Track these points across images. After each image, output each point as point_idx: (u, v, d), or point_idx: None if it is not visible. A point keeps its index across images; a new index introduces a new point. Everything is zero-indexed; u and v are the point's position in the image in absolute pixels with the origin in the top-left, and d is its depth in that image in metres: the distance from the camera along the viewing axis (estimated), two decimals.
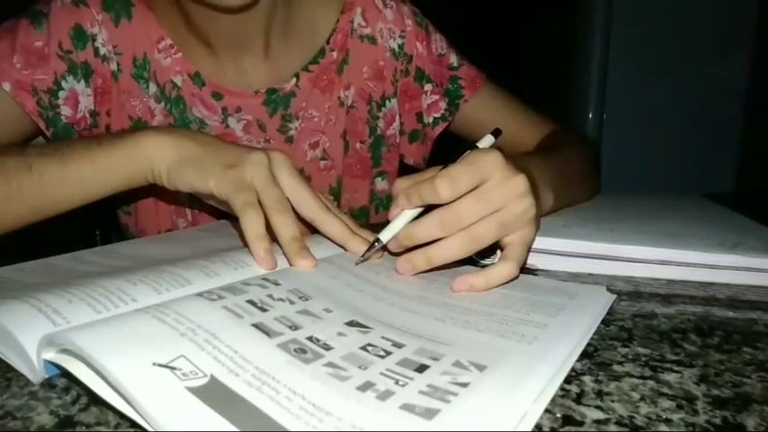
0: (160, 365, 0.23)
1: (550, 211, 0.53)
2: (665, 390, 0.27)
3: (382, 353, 0.28)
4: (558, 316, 0.35)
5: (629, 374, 0.29)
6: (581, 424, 0.24)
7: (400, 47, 0.72)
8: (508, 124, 0.72)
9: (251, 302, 0.31)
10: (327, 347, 0.27)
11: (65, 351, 0.25)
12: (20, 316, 0.28)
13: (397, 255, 0.42)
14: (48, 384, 0.27)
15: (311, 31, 0.69)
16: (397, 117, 0.75)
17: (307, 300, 0.33)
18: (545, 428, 0.24)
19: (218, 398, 0.22)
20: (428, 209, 0.41)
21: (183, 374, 0.23)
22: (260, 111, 0.67)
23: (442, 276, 0.42)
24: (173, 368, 0.23)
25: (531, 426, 0.23)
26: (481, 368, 0.27)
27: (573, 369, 0.29)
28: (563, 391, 0.27)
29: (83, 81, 0.62)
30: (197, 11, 0.60)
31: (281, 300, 0.32)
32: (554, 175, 0.53)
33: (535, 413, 0.23)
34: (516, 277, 0.40)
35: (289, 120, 0.69)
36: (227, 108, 0.66)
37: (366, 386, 0.24)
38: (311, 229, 0.47)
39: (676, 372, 0.29)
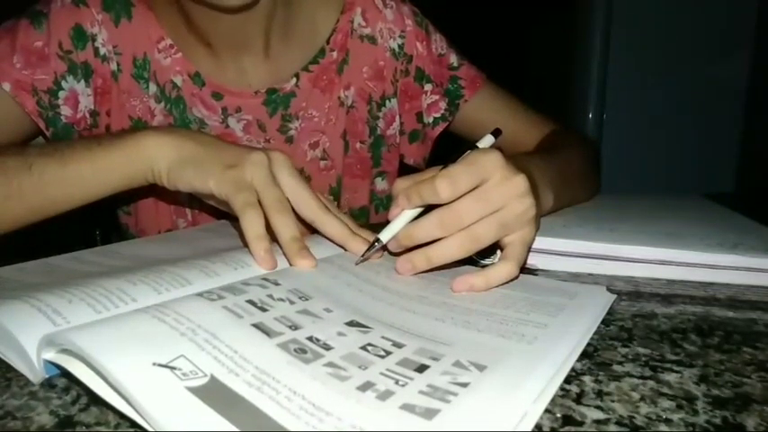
0: (160, 365, 0.23)
1: (550, 211, 0.53)
2: (665, 390, 0.27)
3: (382, 353, 0.28)
4: (558, 316, 0.35)
5: (629, 374, 0.29)
6: (581, 424, 0.24)
7: (400, 47, 0.72)
8: (508, 124, 0.72)
9: (251, 302, 0.31)
10: (327, 347, 0.27)
11: (65, 351, 0.25)
12: (20, 316, 0.28)
13: (397, 255, 0.42)
14: (48, 384, 0.27)
15: (311, 31, 0.69)
16: (397, 117, 0.76)
17: (307, 300, 0.33)
18: (545, 428, 0.24)
19: (218, 398, 0.22)
20: (428, 209, 0.41)
21: (183, 374, 0.23)
22: (260, 111, 0.67)
23: (442, 276, 0.42)
24: (173, 368, 0.23)
25: (531, 426, 0.23)
26: (481, 368, 0.27)
27: (573, 369, 0.29)
28: (563, 391, 0.27)
29: (83, 81, 0.62)
30: (197, 11, 0.60)
31: (281, 300, 0.32)
32: (554, 175, 0.53)
33: (535, 413, 0.23)
34: (516, 277, 0.40)
35: (289, 120, 0.69)
36: (227, 108, 0.66)
37: (366, 386, 0.24)
38: (311, 229, 0.47)
39: (676, 372, 0.29)
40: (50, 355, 0.26)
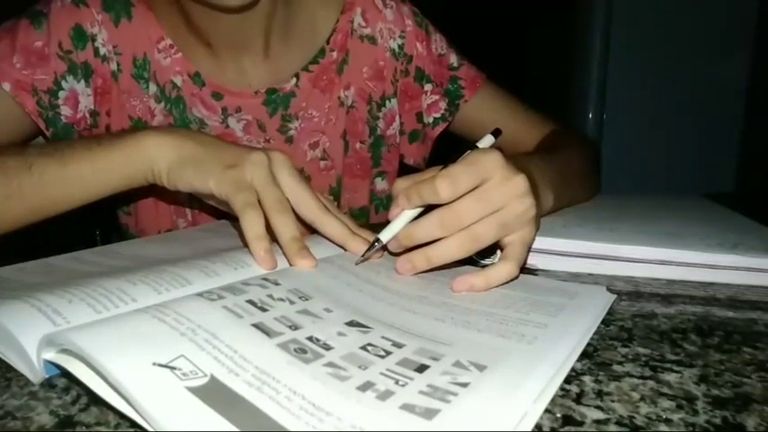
0: (160, 365, 0.23)
1: (550, 211, 0.53)
2: (665, 390, 0.27)
3: (382, 353, 0.28)
4: (558, 316, 0.35)
5: (629, 374, 0.29)
6: (581, 424, 0.24)
7: (400, 47, 0.72)
8: (508, 124, 0.72)
9: (251, 302, 0.31)
10: (327, 347, 0.27)
11: (65, 351, 0.25)
12: (20, 316, 0.28)
13: (397, 255, 0.42)
14: (48, 384, 0.27)
15: (311, 31, 0.69)
16: (397, 117, 0.76)
17: (307, 300, 0.33)
18: (545, 428, 0.24)
19: (218, 398, 0.22)
20: (428, 209, 0.41)
21: (183, 374, 0.23)
22: (260, 111, 0.67)
23: (442, 276, 0.42)
24: (173, 368, 0.23)
25: (531, 426, 0.23)
26: (481, 368, 0.27)
27: (573, 369, 0.29)
28: (563, 391, 0.27)
29: (83, 81, 0.62)
30: (197, 11, 0.60)
31: (281, 300, 0.32)
32: (554, 175, 0.53)
33: (535, 413, 0.23)
34: (516, 277, 0.40)
35: (289, 120, 0.69)
36: (227, 108, 0.66)
37: (366, 386, 0.24)
38: (311, 229, 0.47)
39: (676, 372, 0.29)
40: (50, 355, 0.26)
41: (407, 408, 0.22)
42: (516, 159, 0.43)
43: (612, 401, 0.26)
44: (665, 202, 0.71)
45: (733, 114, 1.62)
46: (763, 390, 0.28)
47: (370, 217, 0.78)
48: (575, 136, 0.74)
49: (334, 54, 0.70)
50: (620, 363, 0.30)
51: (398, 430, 0.21)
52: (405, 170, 0.76)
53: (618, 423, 0.24)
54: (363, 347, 0.28)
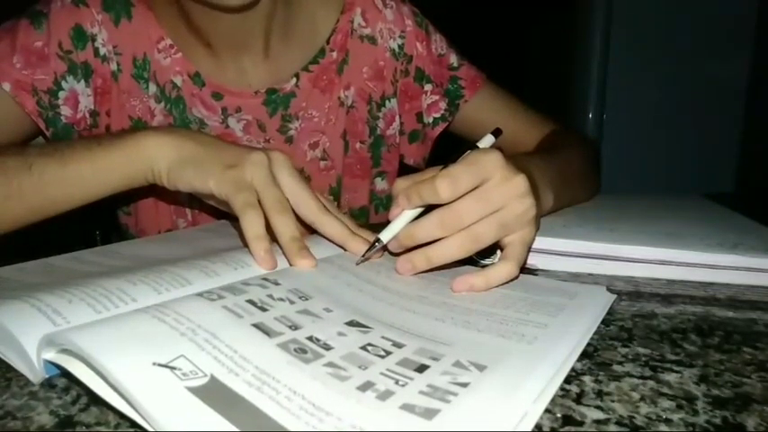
0: (160, 365, 0.23)
1: (550, 211, 0.53)
2: (665, 390, 0.27)
3: (382, 353, 0.28)
4: (558, 316, 0.35)
5: (629, 374, 0.29)
6: (581, 424, 0.24)
7: (400, 47, 0.72)
8: (508, 124, 0.72)
9: (251, 302, 0.31)
10: (327, 347, 0.27)
11: (65, 351, 0.25)
12: (20, 316, 0.28)
13: (398, 255, 0.42)
14: (48, 384, 0.27)
15: (311, 31, 0.69)
16: (397, 117, 0.76)
17: (307, 300, 0.33)
18: (545, 428, 0.24)
19: (218, 398, 0.22)
20: (428, 209, 0.41)
21: (183, 374, 0.23)
22: (260, 111, 0.67)
23: (442, 276, 0.42)
24: (173, 368, 0.23)
25: (531, 426, 0.23)
26: (481, 368, 0.27)
27: (573, 369, 0.29)
28: (563, 391, 0.27)
29: (83, 81, 0.62)
30: (197, 11, 0.60)
31: (281, 300, 0.32)
32: (554, 175, 0.53)
33: (535, 413, 0.23)
34: (516, 277, 0.40)
35: (289, 120, 0.69)
36: (227, 108, 0.66)
37: (366, 386, 0.24)
38: (311, 229, 0.47)
39: (676, 372, 0.29)
40: (50, 355, 0.26)
41: (407, 408, 0.22)
42: (516, 159, 0.43)
43: (612, 401, 0.26)
44: (665, 202, 0.71)
45: (733, 114, 1.62)
46: (763, 390, 0.28)
47: (370, 217, 0.78)
48: (575, 136, 0.74)
49: (334, 54, 0.70)
50: (620, 363, 0.30)
51: (398, 430, 0.21)
52: (405, 170, 0.76)
53: (618, 423, 0.24)
54: (363, 347, 0.28)
